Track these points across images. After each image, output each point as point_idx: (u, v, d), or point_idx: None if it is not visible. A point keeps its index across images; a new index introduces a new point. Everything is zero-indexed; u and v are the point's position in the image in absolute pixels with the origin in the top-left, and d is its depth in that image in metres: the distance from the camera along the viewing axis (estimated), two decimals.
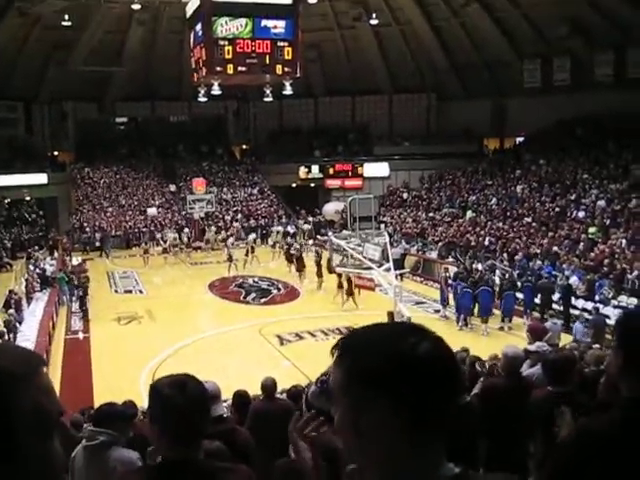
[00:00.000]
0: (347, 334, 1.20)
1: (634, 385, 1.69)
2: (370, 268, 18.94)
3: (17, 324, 19.00)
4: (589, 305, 19.10)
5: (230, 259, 29.06)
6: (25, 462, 0.99)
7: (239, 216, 40.46)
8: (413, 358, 1.10)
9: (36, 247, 32.78)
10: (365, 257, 19.59)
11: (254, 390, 7.80)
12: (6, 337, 16.75)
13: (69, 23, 35.25)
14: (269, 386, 6.58)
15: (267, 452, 4.62)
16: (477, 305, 19.66)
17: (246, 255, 30.14)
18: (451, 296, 20.83)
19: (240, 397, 6.91)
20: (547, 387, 4.20)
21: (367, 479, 1.14)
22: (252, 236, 32.89)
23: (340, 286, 22.18)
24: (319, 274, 25.08)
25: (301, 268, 26.29)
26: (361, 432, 1.11)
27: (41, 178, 39.89)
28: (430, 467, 1.12)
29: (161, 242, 34.29)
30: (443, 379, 1.11)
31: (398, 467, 1.11)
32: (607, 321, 16.00)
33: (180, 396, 2.21)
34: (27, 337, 18.02)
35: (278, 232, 35.95)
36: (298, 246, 29.56)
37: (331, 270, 23.18)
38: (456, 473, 1.14)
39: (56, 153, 43.58)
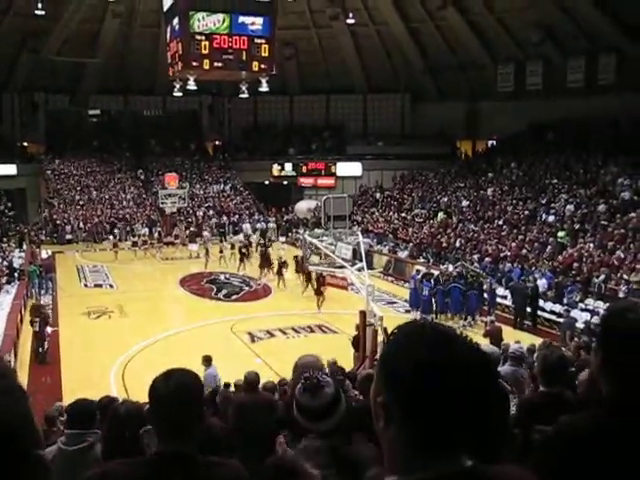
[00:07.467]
0: (387, 345, 1.29)
1: (612, 385, 1.68)
2: (343, 267, 19.00)
3: None
4: (557, 307, 19.43)
5: (207, 253, 29.46)
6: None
7: (211, 212, 40.33)
8: (431, 365, 1.19)
9: (4, 239, 32.25)
10: (338, 256, 19.64)
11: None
12: None
13: (42, 12, 34.77)
14: (253, 380, 6.62)
15: (252, 445, 4.63)
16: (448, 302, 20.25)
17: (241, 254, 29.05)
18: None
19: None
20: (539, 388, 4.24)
21: (387, 467, 1.21)
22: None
23: (310, 283, 22.43)
24: (279, 272, 25.37)
25: (267, 265, 26.48)
26: (385, 422, 1.22)
27: (10, 169, 39.28)
28: (441, 459, 1.18)
29: (131, 236, 34.16)
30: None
31: (409, 458, 1.20)
32: (575, 324, 16.27)
33: (164, 388, 2.24)
34: None
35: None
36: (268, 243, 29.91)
37: (303, 269, 23.27)
38: (468, 466, 1.18)
39: (26, 144, 42.93)
